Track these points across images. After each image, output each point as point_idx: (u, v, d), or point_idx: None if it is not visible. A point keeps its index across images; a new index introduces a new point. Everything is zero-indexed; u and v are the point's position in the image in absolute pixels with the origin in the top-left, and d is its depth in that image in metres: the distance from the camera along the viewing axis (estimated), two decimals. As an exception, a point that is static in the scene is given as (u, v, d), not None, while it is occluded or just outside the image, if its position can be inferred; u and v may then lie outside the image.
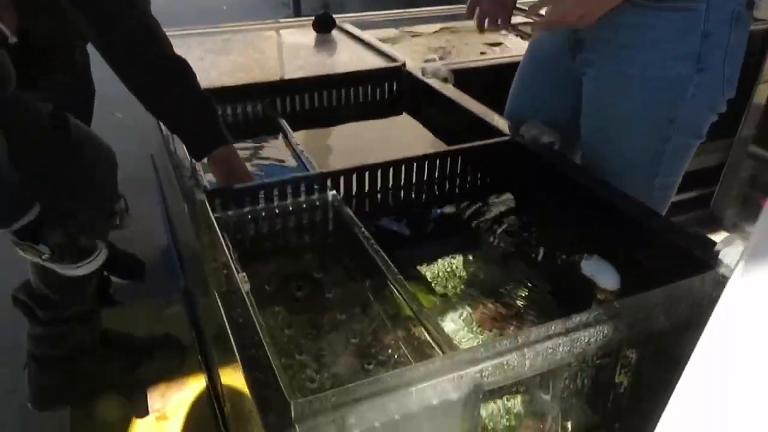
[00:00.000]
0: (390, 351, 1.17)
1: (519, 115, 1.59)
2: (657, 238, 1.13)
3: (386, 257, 1.21)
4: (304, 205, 1.30)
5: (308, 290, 1.20)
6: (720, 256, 1.03)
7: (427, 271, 1.51)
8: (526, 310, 1.38)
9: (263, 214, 1.27)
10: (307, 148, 1.57)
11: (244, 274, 0.98)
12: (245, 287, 0.95)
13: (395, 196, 1.45)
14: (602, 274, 1.08)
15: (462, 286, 1.47)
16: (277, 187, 1.27)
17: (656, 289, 0.95)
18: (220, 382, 1.39)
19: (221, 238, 1.07)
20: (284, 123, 1.72)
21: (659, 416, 1.19)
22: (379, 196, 1.43)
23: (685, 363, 1.10)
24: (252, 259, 1.27)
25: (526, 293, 1.42)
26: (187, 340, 1.75)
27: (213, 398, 1.47)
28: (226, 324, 0.87)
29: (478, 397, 0.84)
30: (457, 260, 1.53)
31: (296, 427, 0.71)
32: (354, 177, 1.36)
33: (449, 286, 1.46)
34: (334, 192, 1.32)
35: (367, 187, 1.39)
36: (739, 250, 1.04)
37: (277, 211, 1.28)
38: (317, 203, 1.32)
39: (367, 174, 1.38)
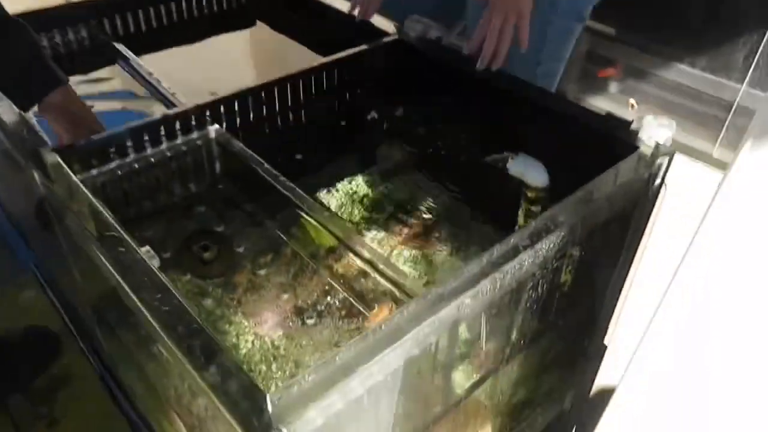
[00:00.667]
0: (328, 297, 1.06)
1: (400, 11, 1.45)
2: (573, 125, 1.10)
3: (295, 186, 1.06)
4: (184, 149, 1.09)
5: (215, 249, 1.02)
6: (640, 135, 1.03)
7: (330, 200, 1.38)
8: (445, 221, 1.32)
9: (136, 166, 1.04)
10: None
11: (148, 248, 0.78)
12: (154, 264, 0.76)
13: (283, 120, 1.28)
14: (531, 172, 1.03)
15: (371, 209, 1.37)
16: (147, 130, 1.04)
17: (598, 178, 0.92)
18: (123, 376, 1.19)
19: (98, 206, 0.85)
20: (123, 48, 1.42)
21: (600, 307, 1.24)
22: (266, 124, 1.24)
23: (625, 247, 1.13)
24: (135, 224, 1.06)
25: (445, 202, 1.36)
26: (55, 326, 1.48)
27: (113, 388, 1.26)
28: (148, 316, 0.69)
29: (456, 335, 0.76)
30: (358, 181, 1.41)
31: (280, 429, 0.59)
32: (236, 105, 1.16)
33: (356, 212, 1.36)
34: (217, 126, 1.12)
35: (252, 116, 1.20)
36: (654, 125, 1.04)
37: (152, 160, 1.06)
38: (198, 143, 1.11)
39: (250, 99, 1.18)
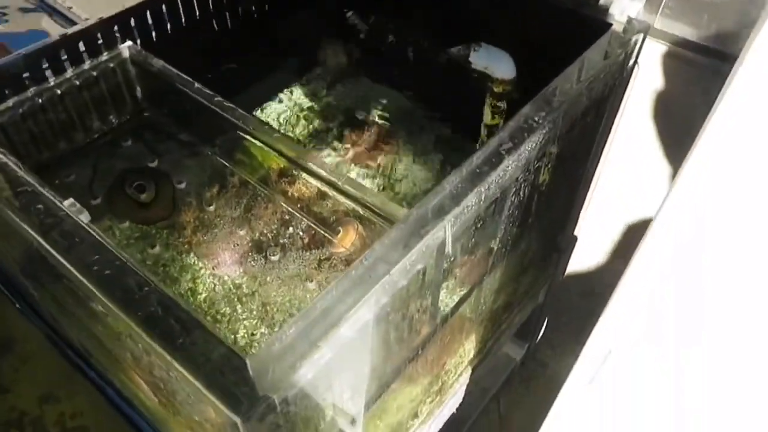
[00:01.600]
0: (287, 226, 0.96)
1: None
2: (539, 5, 0.99)
3: (233, 105, 0.93)
4: (94, 74, 0.92)
5: (152, 188, 0.89)
6: (611, 10, 0.93)
7: (270, 115, 1.24)
8: (401, 126, 1.22)
9: (39, 101, 0.87)
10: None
11: (72, 200, 0.65)
12: (83, 219, 0.64)
13: (205, 26, 1.11)
14: (496, 63, 0.93)
15: (318, 122, 1.24)
16: (45, 56, 0.86)
17: (573, 65, 0.83)
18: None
19: (1, 157, 0.70)
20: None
21: (573, 200, 1.18)
22: (186, 34, 1.07)
23: (599, 135, 1.06)
24: (51, 171, 0.90)
25: (400, 106, 1.25)
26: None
27: (63, 347, 1.15)
28: (87, 284, 0.58)
29: (442, 256, 0.69)
30: (298, 92, 1.27)
31: (271, 397, 0.51)
32: (148, 16, 0.98)
33: (300, 128, 1.23)
34: (130, 43, 0.95)
35: (169, 26, 1.03)
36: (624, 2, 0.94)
37: (58, 91, 0.89)
38: (110, 65, 0.94)
39: (164, 6, 1.00)
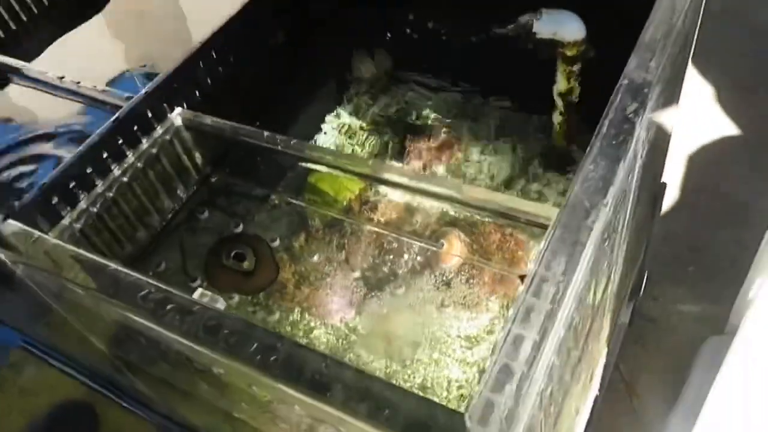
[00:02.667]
0: (385, 252, 0.90)
1: None
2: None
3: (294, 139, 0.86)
4: (154, 151, 0.87)
5: (251, 254, 0.83)
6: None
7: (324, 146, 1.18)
8: (462, 121, 1.15)
9: (110, 195, 0.82)
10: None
11: (201, 289, 0.60)
12: (220, 306, 0.58)
13: (236, 72, 1.05)
14: (564, 26, 0.86)
15: (371, 139, 1.18)
16: (103, 145, 0.81)
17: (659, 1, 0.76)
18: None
19: (105, 262, 0.64)
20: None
21: (664, 149, 1.11)
22: (219, 90, 1.01)
23: (680, 72, 0.99)
24: (140, 262, 0.85)
25: (453, 100, 1.18)
26: (78, 394, 1.28)
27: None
28: (256, 373, 0.52)
29: (610, 241, 0.62)
30: (341, 112, 1.21)
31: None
32: (186, 74, 0.92)
33: (356, 150, 1.17)
34: (179, 109, 0.89)
35: (208, 81, 0.97)
36: None
37: (125, 179, 0.83)
38: (167, 138, 0.88)
39: (200, 63, 0.94)
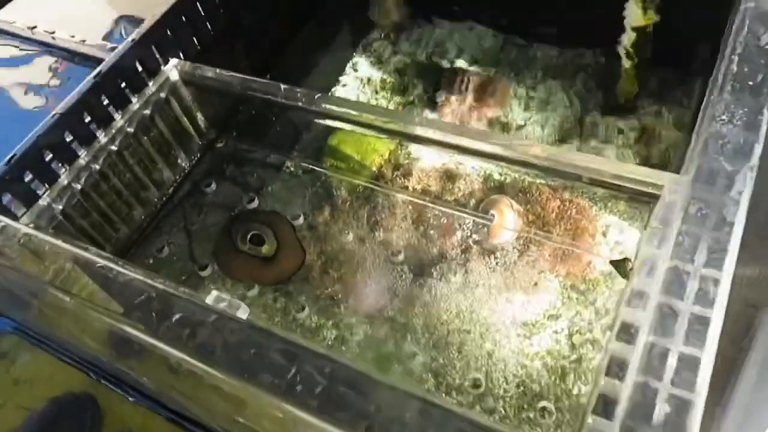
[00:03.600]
0: (424, 227, 0.76)
1: None
2: None
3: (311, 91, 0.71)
4: (147, 112, 0.71)
5: (269, 235, 0.69)
6: None
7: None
8: (501, 66, 0.99)
9: (97, 167, 0.67)
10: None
11: (216, 293, 0.46)
12: (243, 314, 0.45)
13: (233, 13, 0.88)
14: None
15: (398, 91, 1.02)
16: (86, 107, 0.66)
17: None
18: None
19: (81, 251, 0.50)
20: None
21: None
22: (222, 41, 0.85)
23: None
24: (136, 249, 0.71)
25: (487, 44, 1.01)
26: (77, 384, 1.16)
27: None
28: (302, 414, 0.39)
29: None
30: (359, 62, 1.05)
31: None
32: (178, 18, 0.76)
33: (381, 102, 1.01)
34: (175, 60, 0.73)
35: (207, 32, 0.80)
36: None
37: (114, 148, 0.68)
38: (162, 95, 0.73)
39: (198, 5, 0.78)
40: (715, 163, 0.43)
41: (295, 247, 0.68)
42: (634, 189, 0.56)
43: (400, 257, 0.75)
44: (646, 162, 0.85)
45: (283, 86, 0.69)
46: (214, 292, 0.46)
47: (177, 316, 0.43)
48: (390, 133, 0.76)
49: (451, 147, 0.72)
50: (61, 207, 0.63)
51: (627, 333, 0.42)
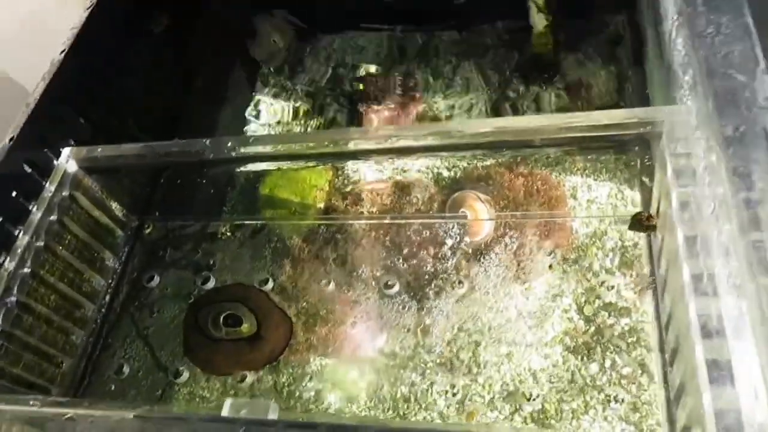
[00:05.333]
0: (402, 247, 0.69)
1: None
2: None
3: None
4: (53, 218, 0.59)
5: (243, 311, 0.59)
6: None
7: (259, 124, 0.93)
8: (401, 64, 0.95)
9: (11, 301, 0.54)
10: None
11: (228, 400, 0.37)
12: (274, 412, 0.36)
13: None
14: None
15: (314, 117, 0.94)
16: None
17: None
18: None
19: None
20: None
21: None
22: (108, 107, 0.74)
23: None
24: (95, 373, 0.59)
25: (380, 47, 0.96)
26: None
27: None
28: None
29: None
30: (263, 105, 0.96)
31: None
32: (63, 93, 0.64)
33: (294, 126, 0.93)
34: (68, 148, 0.62)
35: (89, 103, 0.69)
36: None
37: (25, 270, 0.56)
38: (64, 193, 0.61)
39: (70, 80, 0.66)
40: (729, 81, 0.39)
41: (277, 315, 0.59)
42: (614, 135, 0.53)
43: (380, 287, 0.68)
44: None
45: (202, 140, 0.60)
46: (228, 401, 0.36)
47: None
48: (325, 157, 0.69)
49: (396, 152, 0.67)
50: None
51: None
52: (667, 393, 0.53)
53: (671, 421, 0.52)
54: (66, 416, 0.33)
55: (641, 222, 0.56)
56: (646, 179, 0.59)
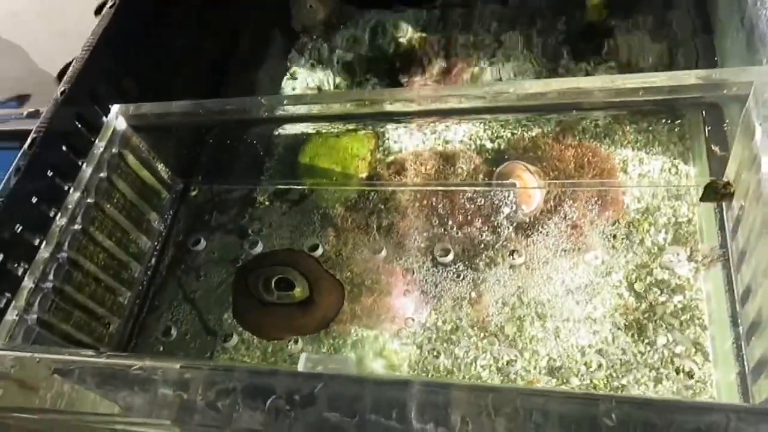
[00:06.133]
0: (443, 217, 0.68)
1: None
2: None
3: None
4: (102, 175, 0.58)
5: (295, 275, 0.57)
6: None
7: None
8: (447, 32, 0.92)
9: (62, 256, 0.53)
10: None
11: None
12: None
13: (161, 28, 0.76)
14: None
15: (353, 89, 0.92)
16: (24, 182, 0.52)
17: None
18: None
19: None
20: None
21: None
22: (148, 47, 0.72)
23: None
24: (139, 334, 0.58)
25: (424, 19, 0.94)
26: None
27: None
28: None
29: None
30: (300, 73, 0.95)
31: None
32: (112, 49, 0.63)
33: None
34: (117, 106, 0.61)
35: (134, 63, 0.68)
36: None
37: (76, 227, 0.55)
38: (113, 150, 0.60)
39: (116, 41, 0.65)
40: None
41: (329, 281, 0.57)
42: (694, 98, 0.50)
43: (423, 258, 0.66)
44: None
45: (256, 97, 0.58)
46: (304, 355, 0.35)
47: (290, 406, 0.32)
48: (360, 118, 0.66)
49: (439, 114, 0.64)
50: (35, 316, 0.49)
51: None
52: (741, 368, 0.51)
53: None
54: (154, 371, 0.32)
55: (716, 190, 0.54)
56: (715, 148, 0.57)
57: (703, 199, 0.58)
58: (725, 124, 0.55)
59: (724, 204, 0.60)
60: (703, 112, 0.55)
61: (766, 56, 0.40)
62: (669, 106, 0.48)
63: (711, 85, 0.46)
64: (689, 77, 0.47)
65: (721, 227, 0.59)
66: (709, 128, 0.59)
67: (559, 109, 0.54)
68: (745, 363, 0.49)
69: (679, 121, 0.70)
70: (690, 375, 0.58)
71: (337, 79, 0.92)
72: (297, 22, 0.98)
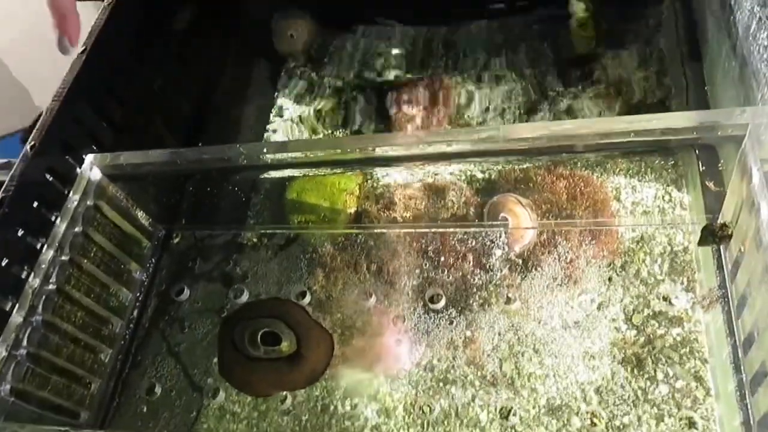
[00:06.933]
0: (432, 258, 0.66)
1: None
2: None
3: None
4: (77, 230, 0.56)
5: (281, 328, 0.55)
6: None
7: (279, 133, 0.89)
8: (435, 57, 0.91)
9: (36, 320, 0.51)
10: None
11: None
12: None
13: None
14: None
15: (338, 118, 0.91)
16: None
17: None
18: None
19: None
20: None
21: None
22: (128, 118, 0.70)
23: None
24: (122, 393, 0.56)
25: (409, 42, 0.92)
26: None
27: None
28: None
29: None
30: (287, 106, 0.92)
31: None
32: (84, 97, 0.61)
33: (319, 125, 0.90)
34: (91, 156, 0.58)
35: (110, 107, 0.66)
36: None
37: (50, 287, 0.53)
38: (88, 202, 0.58)
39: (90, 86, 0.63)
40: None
41: (317, 332, 0.55)
42: (684, 140, 0.49)
43: (416, 297, 0.65)
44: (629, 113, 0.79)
45: (235, 146, 0.56)
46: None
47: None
48: (349, 164, 0.65)
49: (427, 158, 0.63)
50: (8, 386, 0.47)
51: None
52: (745, 415, 0.49)
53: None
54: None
55: (714, 233, 0.53)
56: (710, 184, 0.56)
57: (700, 243, 0.56)
58: (720, 164, 0.54)
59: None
60: (696, 151, 0.53)
61: (761, 94, 0.39)
62: (661, 147, 0.47)
63: (705, 128, 0.45)
64: (682, 119, 0.46)
65: (719, 266, 0.57)
66: (704, 168, 0.57)
67: (549, 153, 0.53)
68: (750, 414, 0.48)
69: (672, 161, 0.69)
70: (691, 421, 0.56)
71: (325, 104, 0.90)
72: (281, 44, 0.96)
